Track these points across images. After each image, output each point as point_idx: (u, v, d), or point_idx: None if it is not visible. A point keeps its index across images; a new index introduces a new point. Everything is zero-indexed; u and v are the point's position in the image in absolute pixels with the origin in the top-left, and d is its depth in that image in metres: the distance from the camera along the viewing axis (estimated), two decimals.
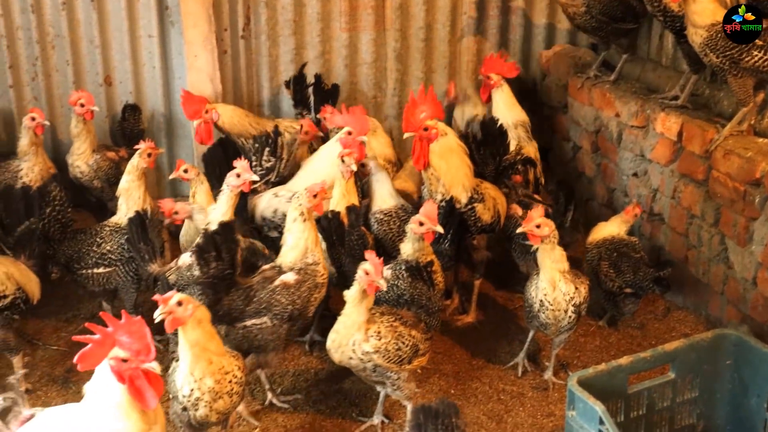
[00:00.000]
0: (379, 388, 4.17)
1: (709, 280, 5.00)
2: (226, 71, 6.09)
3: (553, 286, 4.25)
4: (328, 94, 6.03)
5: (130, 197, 4.77)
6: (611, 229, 5.10)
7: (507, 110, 5.84)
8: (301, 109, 6.09)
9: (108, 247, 4.71)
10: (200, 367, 3.49)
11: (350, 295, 3.84)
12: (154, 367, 2.89)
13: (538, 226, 4.16)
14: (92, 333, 2.93)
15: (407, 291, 4.19)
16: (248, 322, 4.12)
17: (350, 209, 4.59)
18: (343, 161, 4.66)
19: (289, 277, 4.15)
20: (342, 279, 4.44)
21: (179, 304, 3.40)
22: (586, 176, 6.24)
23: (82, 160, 5.62)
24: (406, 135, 4.81)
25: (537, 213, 4.22)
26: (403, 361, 3.91)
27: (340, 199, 4.69)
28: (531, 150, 5.75)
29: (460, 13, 6.59)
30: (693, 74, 5.18)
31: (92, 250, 4.71)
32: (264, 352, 4.21)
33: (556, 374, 4.64)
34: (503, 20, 6.71)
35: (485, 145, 5.21)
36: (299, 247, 4.18)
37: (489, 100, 5.93)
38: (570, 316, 4.31)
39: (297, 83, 6.09)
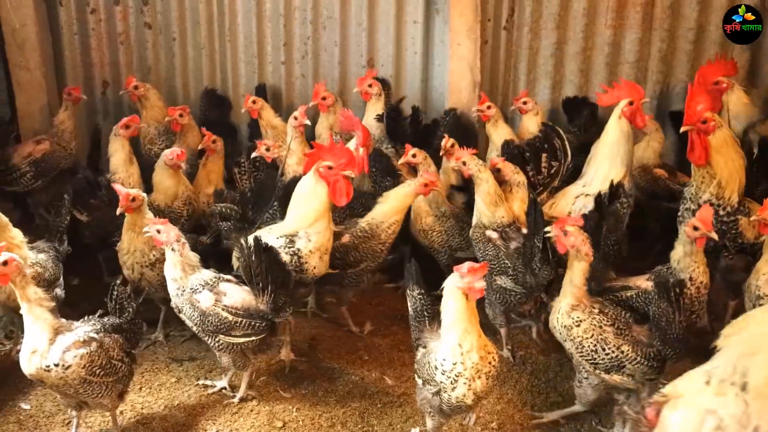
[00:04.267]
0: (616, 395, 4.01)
1: None
2: (485, 61, 6.12)
3: (764, 273, 3.99)
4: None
5: None
6: None
7: (751, 107, 5.57)
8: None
9: None
10: (470, 339, 3.42)
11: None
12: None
13: None
14: None
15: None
16: None
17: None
18: None
19: None
20: None
21: None
22: None
23: None
24: (683, 128, 4.50)
25: None
26: (597, 366, 3.73)
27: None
28: None
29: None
30: None
31: None
32: None
33: None
34: None
35: (760, 164, 4.88)
36: None
37: (720, 106, 5.52)
38: None
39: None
